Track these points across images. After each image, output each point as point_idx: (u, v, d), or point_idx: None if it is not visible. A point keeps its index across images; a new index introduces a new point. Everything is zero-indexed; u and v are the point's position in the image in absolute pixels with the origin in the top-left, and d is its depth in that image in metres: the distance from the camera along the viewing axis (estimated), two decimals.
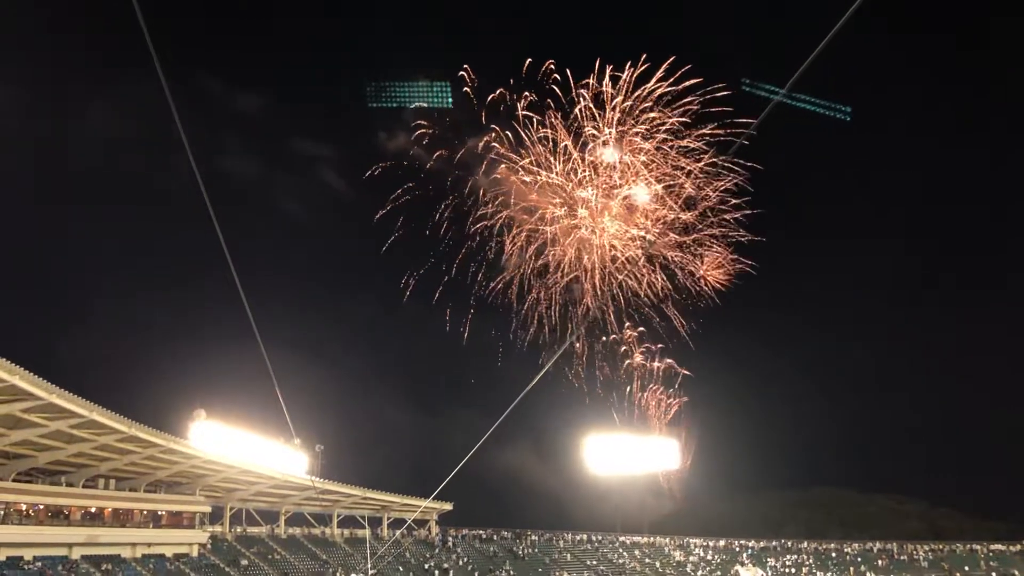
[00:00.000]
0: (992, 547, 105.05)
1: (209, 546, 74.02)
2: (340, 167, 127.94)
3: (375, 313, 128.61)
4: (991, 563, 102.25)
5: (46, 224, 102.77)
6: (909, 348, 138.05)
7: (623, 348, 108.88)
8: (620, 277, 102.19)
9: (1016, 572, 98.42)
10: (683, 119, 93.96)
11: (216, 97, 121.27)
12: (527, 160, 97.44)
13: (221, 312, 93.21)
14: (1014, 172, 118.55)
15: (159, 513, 71.53)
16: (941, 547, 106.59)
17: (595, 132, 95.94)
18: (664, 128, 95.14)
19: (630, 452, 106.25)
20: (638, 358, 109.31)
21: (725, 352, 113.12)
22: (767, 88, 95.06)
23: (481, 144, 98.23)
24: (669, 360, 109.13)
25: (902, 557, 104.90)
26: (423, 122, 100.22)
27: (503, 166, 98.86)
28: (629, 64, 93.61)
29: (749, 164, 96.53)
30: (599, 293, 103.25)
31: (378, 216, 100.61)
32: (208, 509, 76.59)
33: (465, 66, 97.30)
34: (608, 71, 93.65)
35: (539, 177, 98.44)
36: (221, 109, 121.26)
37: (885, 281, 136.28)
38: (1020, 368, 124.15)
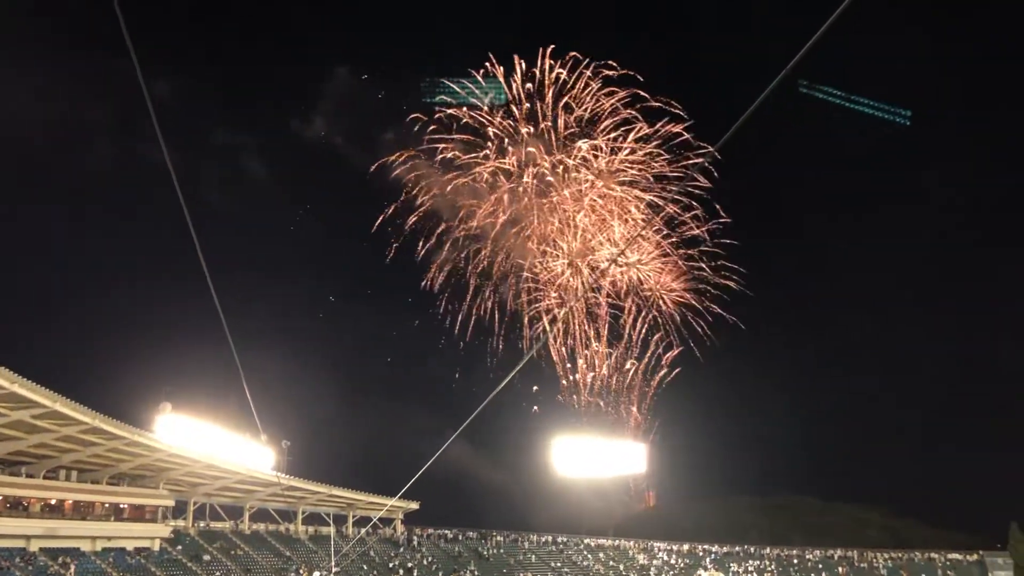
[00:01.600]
0: (950, 556, 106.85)
1: (171, 540, 73.29)
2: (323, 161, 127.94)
3: (346, 311, 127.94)
4: (948, 572, 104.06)
5: (3, 218, 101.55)
6: (872, 358, 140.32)
7: (594, 351, 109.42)
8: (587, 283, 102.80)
9: None
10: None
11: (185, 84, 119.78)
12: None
13: (189, 305, 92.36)
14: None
15: (121, 506, 70.71)
16: (900, 555, 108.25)
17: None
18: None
19: (597, 455, 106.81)
20: (608, 362, 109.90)
21: (692, 359, 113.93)
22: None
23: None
24: (636, 362, 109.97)
25: (862, 564, 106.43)
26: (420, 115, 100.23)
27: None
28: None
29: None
30: (575, 295, 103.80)
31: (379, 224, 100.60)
32: (171, 503, 75.76)
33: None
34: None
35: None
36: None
37: (851, 292, 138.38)
38: (979, 379, 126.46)
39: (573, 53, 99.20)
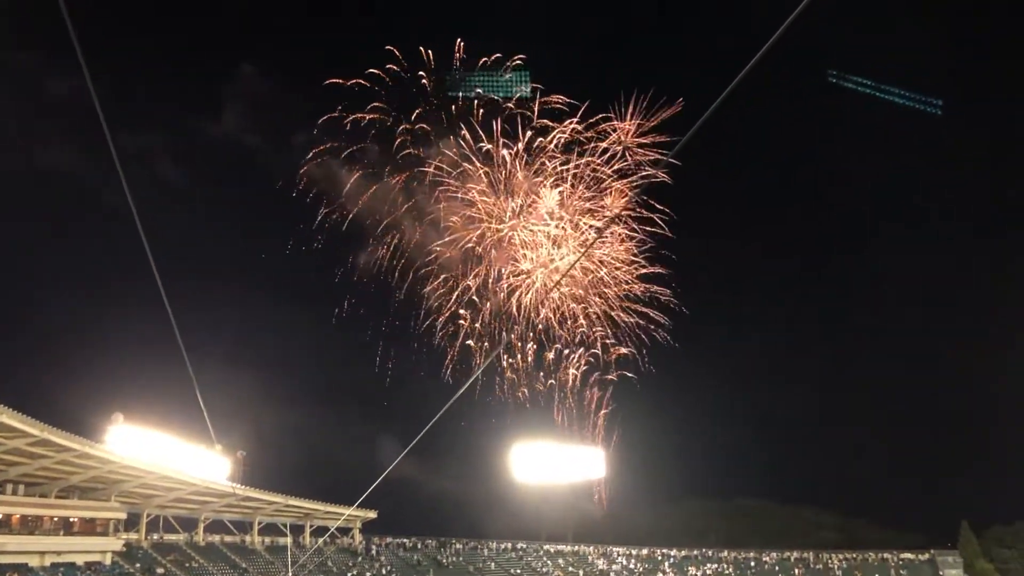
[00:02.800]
0: (902, 556, 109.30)
1: (124, 554, 71.84)
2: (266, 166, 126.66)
3: (300, 320, 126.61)
4: (901, 571, 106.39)
5: None
6: (827, 363, 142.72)
7: (550, 357, 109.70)
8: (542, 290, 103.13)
9: None
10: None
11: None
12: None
13: (140, 314, 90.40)
14: None
15: (71, 520, 69.09)
16: (854, 556, 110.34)
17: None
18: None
19: (556, 461, 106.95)
20: (567, 368, 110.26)
21: (650, 363, 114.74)
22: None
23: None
24: (592, 370, 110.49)
25: (818, 566, 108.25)
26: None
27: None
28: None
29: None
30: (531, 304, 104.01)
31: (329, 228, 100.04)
32: (123, 516, 74.23)
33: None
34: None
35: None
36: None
37: (809, 289, 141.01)
38: (932, 385, 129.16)
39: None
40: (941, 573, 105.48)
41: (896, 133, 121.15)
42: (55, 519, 67.65)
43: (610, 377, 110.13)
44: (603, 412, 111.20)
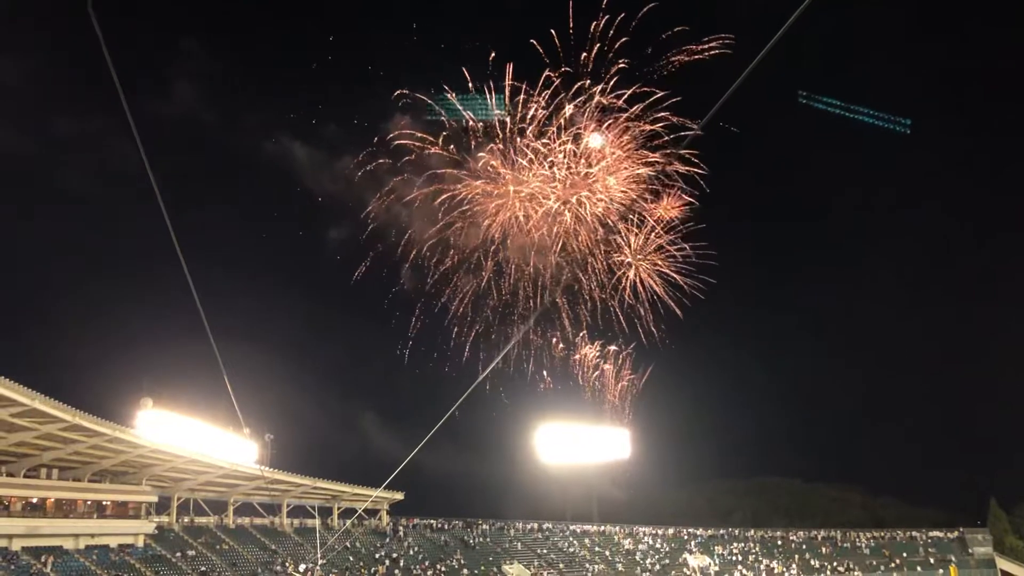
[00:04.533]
0: (931, 534, 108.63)
1: (155, 536, 72.95)
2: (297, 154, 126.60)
3: (326, 302, 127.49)
4: (929, 549, 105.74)
5: None
6: (853, 341, 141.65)
7: (578, 339, 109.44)
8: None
9: (952, 557, 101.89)
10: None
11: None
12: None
13: (169, 299, 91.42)
14: None
15: (104, 503, 70.24)
16: (882, 534, 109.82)
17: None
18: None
19: (581, 442, 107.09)
20: (591, 349, 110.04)
21: (676, 344, 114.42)
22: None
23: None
24: (620, 349, 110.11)
25: (845, 544, 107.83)
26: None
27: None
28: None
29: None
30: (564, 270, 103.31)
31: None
32: (154, 499, 75.33)
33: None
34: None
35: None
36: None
37: (833, 274, 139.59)
38: (958, 360, 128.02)
39: None
40: (971, 551, 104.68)
41: None
42: (88, 503, 68.80)
43: (627, 351, 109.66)
44: (622, 385, 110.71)
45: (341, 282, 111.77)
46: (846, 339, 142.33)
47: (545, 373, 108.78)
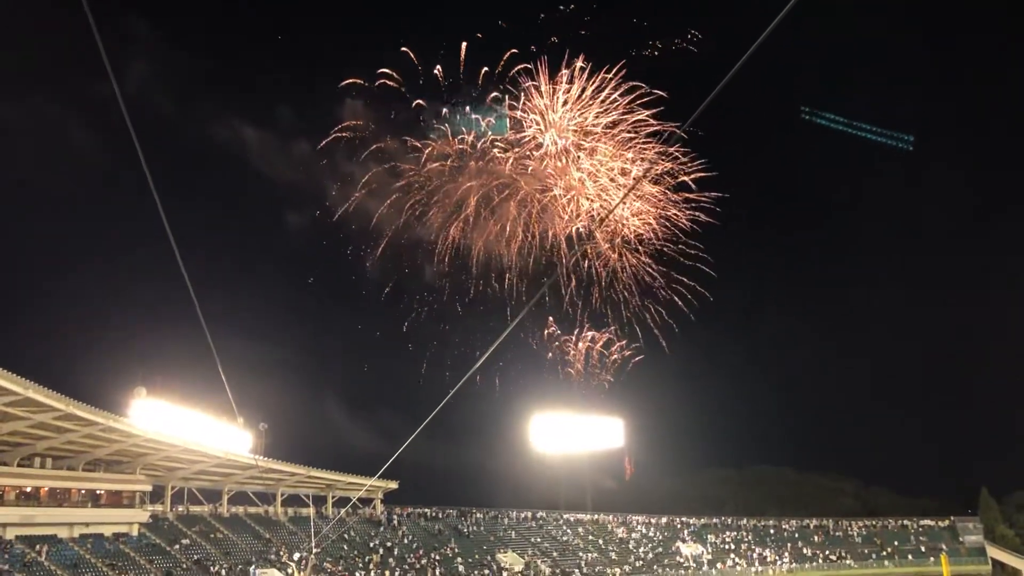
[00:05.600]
0: (922, 523, 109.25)
1: (150, 525, 73.00)
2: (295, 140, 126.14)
3: (320, 292, 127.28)
4: (920, 538, 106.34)
5: None
6: (844, 331, 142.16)
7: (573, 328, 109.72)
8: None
9: (943, 546, 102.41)
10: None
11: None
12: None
13: (163, 288, 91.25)
14: None
15: (97, 492, 70.26)
16: (874, 523, 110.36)
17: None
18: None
19: (575, 431, 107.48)
20: (585, 338, 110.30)
21: (668, 333, 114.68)
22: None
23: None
24: (613, 338, 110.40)
25: (837, 533, 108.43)
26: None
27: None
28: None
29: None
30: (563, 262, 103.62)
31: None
32: (148, 488, 75.34)
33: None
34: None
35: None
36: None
37: (825, 264, 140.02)
38: (949, 351, 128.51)
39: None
40: (962, 539, 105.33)
41: None
42: (82, 491, 68.82)
43: (623, 348, 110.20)
44: (614, 371, 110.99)
45: (341, 272, 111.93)
46: (840, 330, 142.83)
47: (543, 358, 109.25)
